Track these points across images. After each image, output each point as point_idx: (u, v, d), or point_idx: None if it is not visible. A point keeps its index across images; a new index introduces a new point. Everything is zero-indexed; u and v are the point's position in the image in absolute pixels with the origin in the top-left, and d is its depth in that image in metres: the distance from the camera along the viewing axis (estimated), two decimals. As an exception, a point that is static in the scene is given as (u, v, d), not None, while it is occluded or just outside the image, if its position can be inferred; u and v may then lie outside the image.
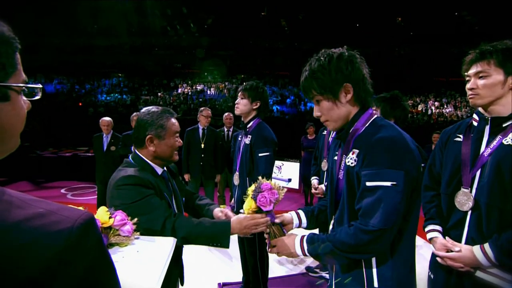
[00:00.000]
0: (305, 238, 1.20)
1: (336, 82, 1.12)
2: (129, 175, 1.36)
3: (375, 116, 1.18)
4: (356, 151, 1.11)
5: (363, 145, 1.09)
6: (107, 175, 5.04)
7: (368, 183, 1.04)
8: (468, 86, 1.33)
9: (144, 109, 1.51)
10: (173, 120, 1.50)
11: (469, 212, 1.27)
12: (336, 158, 1.25)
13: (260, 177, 1.35)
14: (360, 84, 1.14)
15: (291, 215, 1.40)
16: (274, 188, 1.30)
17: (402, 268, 1.09)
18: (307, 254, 1.18)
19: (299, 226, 1.40)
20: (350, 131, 1.17)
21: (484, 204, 1.23)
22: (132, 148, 1.59)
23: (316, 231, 1.57)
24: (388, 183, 1.00)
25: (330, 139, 2.60)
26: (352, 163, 1.11)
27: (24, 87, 0.52)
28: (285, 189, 1.35)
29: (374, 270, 1.08)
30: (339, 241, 1.08)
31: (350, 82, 1.13)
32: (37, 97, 0.56)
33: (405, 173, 1.00)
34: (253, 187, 1.33)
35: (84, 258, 0.45)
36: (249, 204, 1.33)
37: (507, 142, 1.21)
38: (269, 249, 1.30)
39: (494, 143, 1.25)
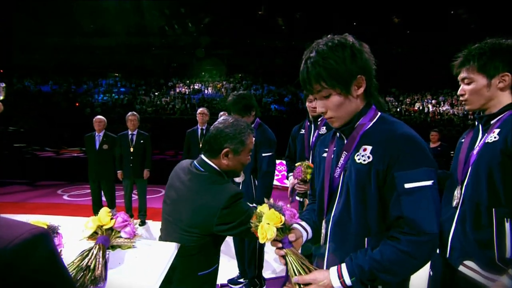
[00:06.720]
0: (343, 269, 0.99)
1: (351, 73, 0.99)
2: (235, 193, 1.31)
3: (380, 112, 1.09)
4: (368, 147, 1.00)
5: (380, 142, 0.99)
6: (100, 174, 5.10)
7: (407, 185, 0.92)
8: (458, 91, 1.35)
9: (224, 119, 1.44)
10: (253, 138, 1.45)
11: (458, 208, 1.30)
12: (325, 155, 1.16)
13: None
14: (372, 77, 1.04)
15: (298, 229, 1.17)
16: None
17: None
18: (349, 285, 0.98)
19: (307, 238, 1.19)
20: (356, 126, 1.06)
21: (467, 201, 1.26)
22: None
23: None
24: (429, 182, 0.92)
25: (313, 138, 2.44)
26: (364, 160, 1.00)
27: None
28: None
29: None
30: (389, 261, 0.92)
31: (364, 74, 1.01)
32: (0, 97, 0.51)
33: (435, 170, 0.95)
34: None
35: (23, 281, 0.39)
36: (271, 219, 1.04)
37: (489, 139, 1.22)
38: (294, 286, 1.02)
39: (482, 141, 1.26)
